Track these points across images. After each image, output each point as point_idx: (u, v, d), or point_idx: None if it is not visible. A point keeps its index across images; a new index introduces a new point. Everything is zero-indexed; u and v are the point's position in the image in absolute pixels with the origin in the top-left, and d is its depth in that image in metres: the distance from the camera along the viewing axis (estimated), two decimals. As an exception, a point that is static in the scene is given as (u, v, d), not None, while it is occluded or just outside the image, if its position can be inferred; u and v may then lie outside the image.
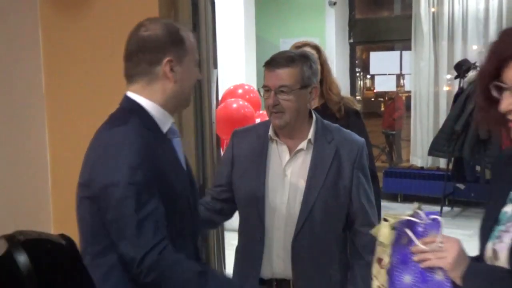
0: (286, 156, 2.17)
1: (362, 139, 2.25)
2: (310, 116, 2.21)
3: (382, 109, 11.30)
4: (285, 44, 7.89)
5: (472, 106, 6.66)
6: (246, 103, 4.48)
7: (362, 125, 3.01)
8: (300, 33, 7.80)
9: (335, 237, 2.23)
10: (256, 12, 6.28)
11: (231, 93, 4.73)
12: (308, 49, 2.87)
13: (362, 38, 8.41)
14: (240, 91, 4.74)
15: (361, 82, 9.68)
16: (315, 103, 2.91)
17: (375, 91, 9.73)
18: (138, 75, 1.72)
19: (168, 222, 1.65)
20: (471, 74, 6.81)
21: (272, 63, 2.11)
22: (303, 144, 2.16)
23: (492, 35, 7.39)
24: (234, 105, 4.45)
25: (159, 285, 1.62)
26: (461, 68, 6.93)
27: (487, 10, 7.41)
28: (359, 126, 2.93)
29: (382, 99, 10.60)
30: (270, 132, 2.19)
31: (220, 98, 4.23)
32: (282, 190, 2.16)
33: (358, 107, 3.02)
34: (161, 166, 1.66)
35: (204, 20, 2.72)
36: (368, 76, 9.53)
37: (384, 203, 7.40)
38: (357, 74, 9.22)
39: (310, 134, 2.17)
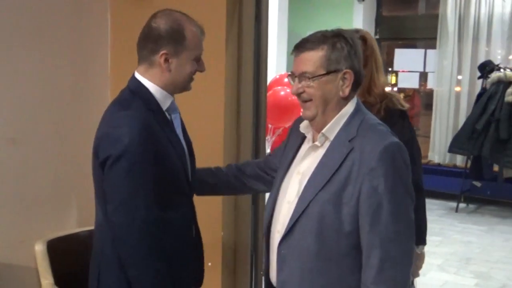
0: (303, 153, 1.93)
1: (392, 141, 1.76)
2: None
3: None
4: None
5: (493, 107, 6.83)
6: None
7: (406, 128, 2.50)
8: (328, 27, 7.91)
9: (335, 258, 1.77)
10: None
11: (277, 81, 4.91)
12: None
13: (388, 34, 8.61)
14: (286, 79, 4.78)
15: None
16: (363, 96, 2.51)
17: (397, 87, 9.86)
18: (142, 59, 1.98)
19: (164, 186, 1.92)
20: (494, 75, 6.98)
21: (296, 46, 1.86)
22: (318, 140, 1.86)
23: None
24: (282, 93, 4.63)
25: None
26: (485, 68, 7.09)
27: (513, 13, 7.56)
28: (402, 128, 2.44)
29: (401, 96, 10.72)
30: (302, 125, 1.95)
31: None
32: (291, 189, 1.90)
33: (405, 106, 2.53)
34: (158, 141, 1.91)
35: (265, 13, 2.89)
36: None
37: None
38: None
39: (325, 128, 1.84)
